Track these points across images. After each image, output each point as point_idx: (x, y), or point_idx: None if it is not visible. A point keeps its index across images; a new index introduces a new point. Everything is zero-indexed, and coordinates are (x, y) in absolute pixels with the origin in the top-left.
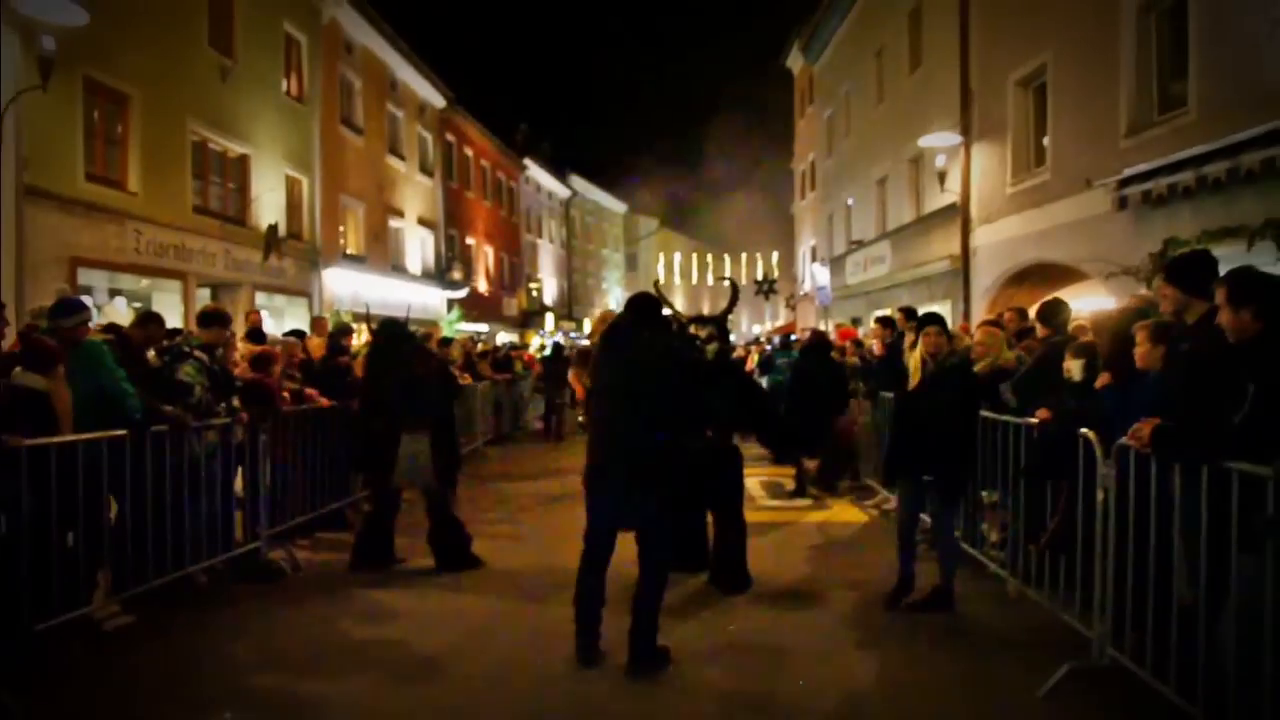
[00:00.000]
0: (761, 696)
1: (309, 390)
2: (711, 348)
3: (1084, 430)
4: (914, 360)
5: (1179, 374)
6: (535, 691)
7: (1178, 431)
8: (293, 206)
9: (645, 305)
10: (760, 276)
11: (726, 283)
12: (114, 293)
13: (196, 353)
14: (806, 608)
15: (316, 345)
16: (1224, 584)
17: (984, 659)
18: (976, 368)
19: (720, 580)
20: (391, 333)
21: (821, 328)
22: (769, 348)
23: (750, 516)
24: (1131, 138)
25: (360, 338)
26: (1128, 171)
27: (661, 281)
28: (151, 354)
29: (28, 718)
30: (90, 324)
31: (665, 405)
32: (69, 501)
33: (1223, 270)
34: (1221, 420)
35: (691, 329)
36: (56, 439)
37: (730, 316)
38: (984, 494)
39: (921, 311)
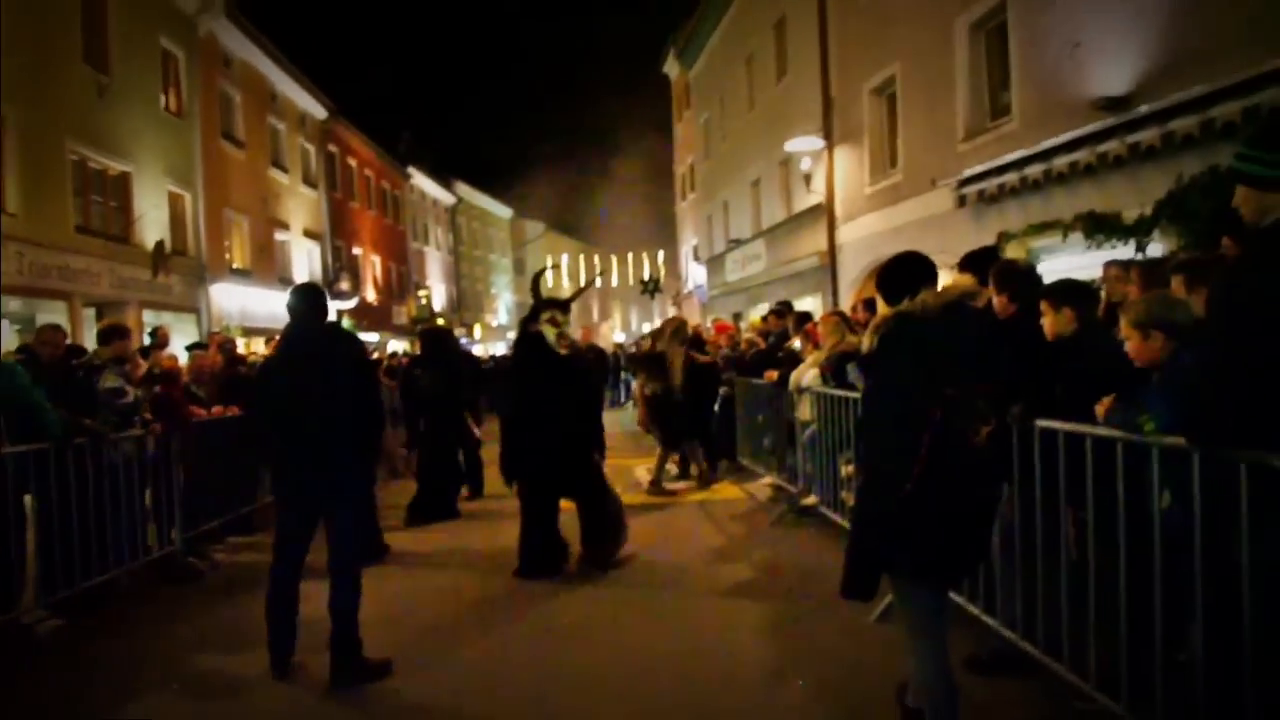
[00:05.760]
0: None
1: (195, 408)
2: (550, 330)
3: None
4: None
5: None
6: (444, 659)
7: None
8: (177, 222)
9: (309, 299)
10: (646, 276)
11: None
12: None
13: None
14: (681, 580)
15: (216, 359)
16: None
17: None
18: (821, 353)
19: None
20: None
21: (704, 324)
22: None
23: (636, 498)
24: (968, 142)
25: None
26: (965, 173)
27: (548, 277)
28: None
29: None
30: None
31: (349, 408)
32: None
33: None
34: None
35: (545, 313)
36: None
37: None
38: (843, 465)
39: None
